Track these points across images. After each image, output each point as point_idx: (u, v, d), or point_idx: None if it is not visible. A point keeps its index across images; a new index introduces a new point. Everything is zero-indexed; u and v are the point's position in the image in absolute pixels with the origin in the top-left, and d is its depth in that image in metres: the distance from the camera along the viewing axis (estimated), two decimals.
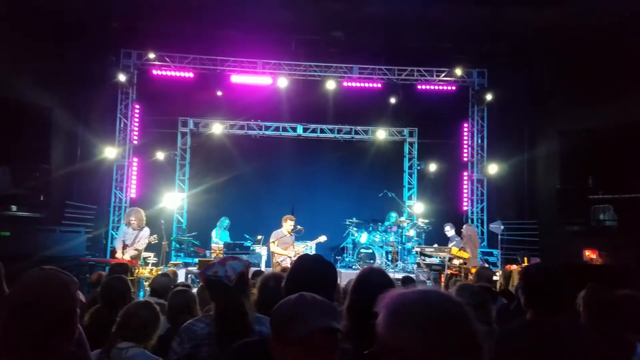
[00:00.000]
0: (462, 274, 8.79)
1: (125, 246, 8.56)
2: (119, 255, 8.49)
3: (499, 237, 11.65)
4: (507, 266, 9.38)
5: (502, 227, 11.59)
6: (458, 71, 13.03)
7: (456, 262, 9.43)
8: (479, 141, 13.71)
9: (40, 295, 1.73)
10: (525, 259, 10.45)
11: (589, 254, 9.85)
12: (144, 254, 9.12)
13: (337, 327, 1.62)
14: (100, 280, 5.55)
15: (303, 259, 2.54)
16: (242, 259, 2.71)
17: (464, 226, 10.13)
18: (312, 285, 1.87)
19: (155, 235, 8.81)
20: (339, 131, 13.80)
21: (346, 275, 9.62)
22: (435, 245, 10.90)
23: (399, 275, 8.04)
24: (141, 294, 8.15)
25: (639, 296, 3.47)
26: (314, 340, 1.57)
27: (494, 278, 8.52)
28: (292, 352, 1.59)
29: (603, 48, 9.96)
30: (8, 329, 1.72)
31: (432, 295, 1.19)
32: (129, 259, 8.28)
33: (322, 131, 13.79)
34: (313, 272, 2.33)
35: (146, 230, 8.79)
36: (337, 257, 12.44)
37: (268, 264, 10.00)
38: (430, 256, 10.34)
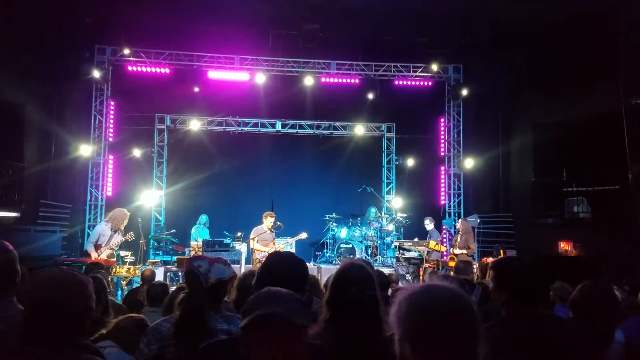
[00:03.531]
0: (440, 268, 8.91)
1: (98, 246, 8.25)
2: (93, 256, 8.22)
3: (475, 230, 11.81)
4: (484, 259, 9.53)
5: (478, 220, 11.76)
6: (434, 66, 13.13)
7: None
8: (455, 136, 13.86)
9: (59, 295, 1.76)
10: (501, 251, 10.62)
11: (564, 246, 10.07)
12: (122, 253, 9.00)
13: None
14: None
15: (274, 256, 2.53)
16: (231, 268, 2.68)
17: (460, 220, 10.13)
18: (282, 282, 1.87)
19: (131, 233, 8.65)
20: (318, 127, 13.83)
21: (326, 271, 9.66)
22: (416, 239, 10.99)
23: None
24: (119, 293, 8.06)
25: (607, 285, 3.58)
26: (264, 330, 1.58)
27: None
28: (254, 345, 1.60)
29: (578, 41, 10.11)
30: (29, 328, 1.75)
31: (440, 288, 1.41)
32: (105, 258, 8.15)
33: (300, 127, 13.80)
34: (283, 269, 2.33)
35: None
36: (317, 253, 12.46)
37: (248, 261, 9.96)
38: (409, 250, 10.41)
